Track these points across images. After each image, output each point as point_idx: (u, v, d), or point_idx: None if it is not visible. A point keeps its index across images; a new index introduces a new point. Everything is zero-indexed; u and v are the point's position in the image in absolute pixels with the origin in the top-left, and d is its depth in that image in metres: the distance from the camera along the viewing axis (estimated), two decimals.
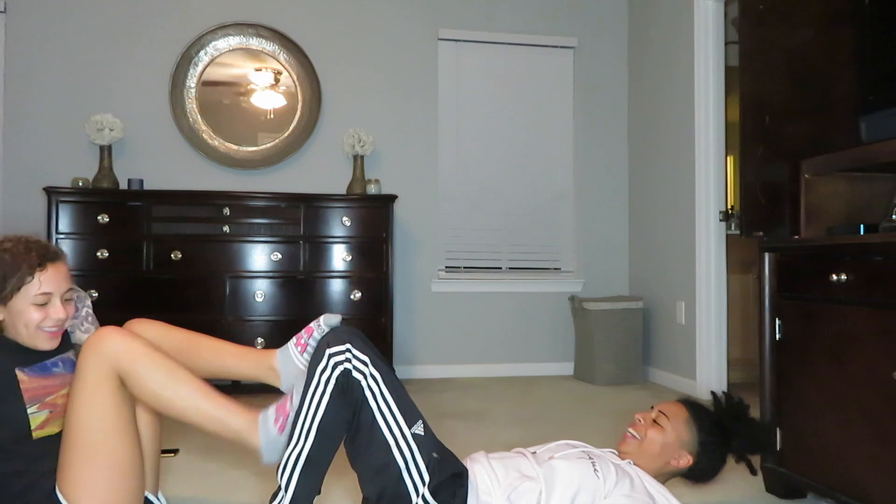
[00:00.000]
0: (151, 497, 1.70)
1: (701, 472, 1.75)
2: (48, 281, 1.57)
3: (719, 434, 1.73)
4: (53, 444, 1.54)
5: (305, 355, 1.69)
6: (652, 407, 1.79)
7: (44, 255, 1.58)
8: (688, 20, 3.98)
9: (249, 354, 1.73)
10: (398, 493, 1.51)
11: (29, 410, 1.53)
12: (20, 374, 1.54)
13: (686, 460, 1.71)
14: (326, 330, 1.66)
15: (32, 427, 1.53)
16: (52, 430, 1.57)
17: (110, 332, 1.50)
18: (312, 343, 1.68)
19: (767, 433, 1.98)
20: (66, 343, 1.72)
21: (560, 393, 3.95)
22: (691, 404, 1.78)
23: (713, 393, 1.84)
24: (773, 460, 2.17)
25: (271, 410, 1.55)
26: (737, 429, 1.73)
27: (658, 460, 1.70)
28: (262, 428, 1.53)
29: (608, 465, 1.62)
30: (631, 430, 1.75)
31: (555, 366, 4.58)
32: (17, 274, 1.53)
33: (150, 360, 1.50)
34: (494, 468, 1.61)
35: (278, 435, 1.53)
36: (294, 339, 1.72)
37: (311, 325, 1.70)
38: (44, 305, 1.57)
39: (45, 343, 1.59)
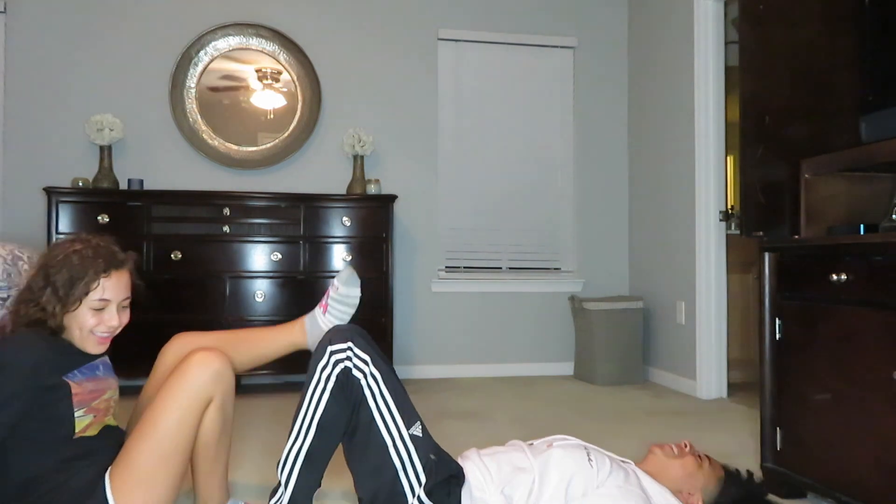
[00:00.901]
0: None
1: None
2: (110, 288, 1.57)
3: None
4: (86, 446, 1.56)
5: (328, 315, 1.81)
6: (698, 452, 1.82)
7: (111, 261, 1.58)
8: (688, 20, 3.98)
9: (281, 329, 1.87)
10: (394, 492, 1.51)
11: (76, 414, 1.54)
12: (71, 379, 1.55)
13: (696, 500, 1.71)
14: (339, 287, 1.81)
15: (77, 430, 1.54)
16: (91, 432, 1.58)
17: (217, 357, 1.64)
18: (333, 304, 1.82)
19: None
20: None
21: (560, 393, 3.95)
22: (732, 473, 1.79)
23: (749, 472, 1.83)
24: (773, 460, 2.17)
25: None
26: None
27: (675, 483, 1.70)
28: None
29: (603, 457, 1.63)
30: (674, 445, 1.78)
31: (555, 366, 4.58)
32: (84, 279, 1.53)
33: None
34: (487, 464, 1.62)
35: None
36: (320, 302, 1.87)
37: (329, 287, 1.85)
38: (100, 311, 1.56)
39: (94, 347, 1.60)
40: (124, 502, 1.51)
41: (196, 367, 1.60)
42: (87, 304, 1.55)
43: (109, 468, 1.56)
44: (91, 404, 1.57)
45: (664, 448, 1.77)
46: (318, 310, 1.84)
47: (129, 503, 1.51)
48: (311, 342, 1.79)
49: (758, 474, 1.87)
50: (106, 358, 1.71)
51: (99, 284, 1.55)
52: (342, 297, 1.81)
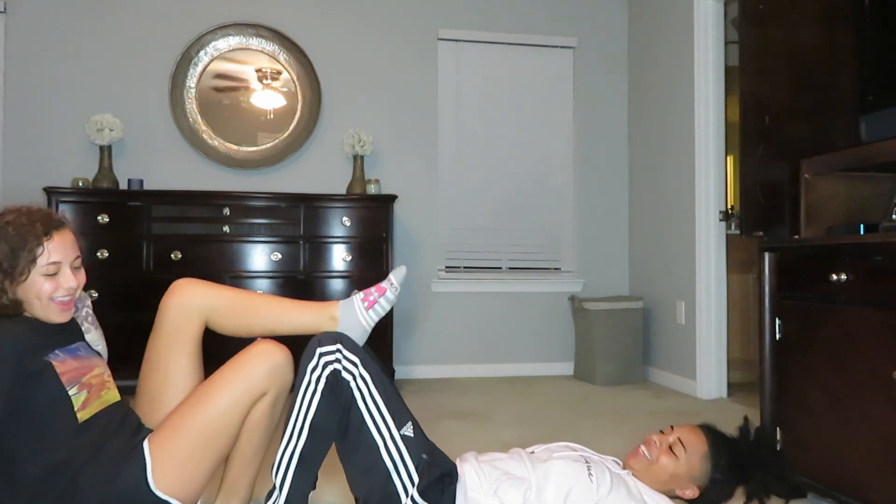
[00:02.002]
0: None
1: (703, 502, 1.69)
2: (56, 250, 1.52)
3: (734, 476, 1.65)
4: (97, 427, 1.53)
5: (371, 312, 1.66)
6: (672, 427, 1.71)
7: (48, 223, 1.54)
8: (688, 20, 3.98)
9: (309, 305, 1.73)
10: (387, 493, 1.51)
11: (70, 392, 1.51)
12: (52, 360, 1.52)
13: (692, 492, 1.66)
14: (398, 289, 1.68)
15: (76, 408, 1.51)
16: (92, 410, 1.55)
17: (280, 351, 1.62)
18: (383, 302, 1.66)
19: (788, 484, 1.72)
20: (79, 331, 1.71)
21: (560, 393, 3.95)
22: (713, 438, 1.68)
23: (746, 420, 1.71)
24: None
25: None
26: (756, 475, 1.63)
27: (662, 486, 1.66)
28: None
29: (604, 471, 1.60)
30: (644, 448, 1.69)
31: (555, 366, 4.58)
32: (26, 247, 1.49)
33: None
34: (482, 467, 1.61)
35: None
36: (361, 294, 1.68)
37: (383, 283, 1.68)
38: (54, 276, 1.53)
39: (58, 315, 1.56)
40: (162, 472, 1.51)
41: (256, 358, 1.59)
42: (39, 272, 1.51)
43: (148, 437, 1.56)
44: (82, 380, 1.54)
45: (636, 457, 1.68)
46: (359, 301, 1.66)
47: (165, 474, 1.51)
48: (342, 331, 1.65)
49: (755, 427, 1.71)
50: (84, 342, 1.68)
51: (43, 249, 1.50)
52: (393, 299, 1.68)
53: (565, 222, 4.71)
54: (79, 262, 1.60)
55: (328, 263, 3.91)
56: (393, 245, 4.03)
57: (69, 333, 1.62)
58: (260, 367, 1.59)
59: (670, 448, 1.66)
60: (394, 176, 4.39)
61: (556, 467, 1.59)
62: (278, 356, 1.61)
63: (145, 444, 1.54)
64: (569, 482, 1.56)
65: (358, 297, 1.67)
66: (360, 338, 1.64)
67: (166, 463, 1.52)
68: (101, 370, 1.63)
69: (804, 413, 2.05)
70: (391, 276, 1.68)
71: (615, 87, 4.74)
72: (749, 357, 4.09)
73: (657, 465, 1.66)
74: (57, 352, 1.53)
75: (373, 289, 1.67)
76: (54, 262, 1.52)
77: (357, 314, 1.65)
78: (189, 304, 1.68)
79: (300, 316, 1.70)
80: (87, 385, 1.56)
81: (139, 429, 1.63)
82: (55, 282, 1.53)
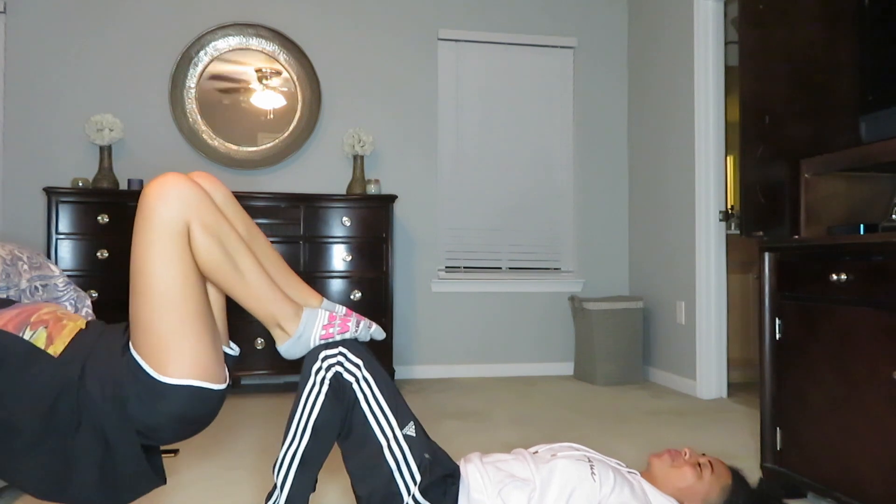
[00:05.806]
0: (224, 347, 1.61)
1: None
2: None
3: None
4: (74, 352, 1.46)
5: (322, 342, 1.56)
6: (703, 454, 1.76)
7: None
8: (688, 20, 3.98)
9: (296, 288, 1.64)
10: (389, 492, 1.52)
11: (25, 336, 1.45)
12: None
13: None
14: (359, 338, 1.58)
15: (44, 347, 1.45)
16: (64, 341, 1.48)
17: (171, 180, 1.38)
18: (337, 338, 1.56)
19: None
20: (10, 301, 1.70)
21: (560, 393, 3.95)
22: (739, 479, 1.72)
23: (761, 480, 1.77)
24: (773, 460, 2.17)
25: (324, 313, 1.56)
26: None
27: (674, 494, 1.67)
28: (307, 320, 1.54)
29: (607, 470, 1.60)
30: (671, 452, 1.73)
31: (555, 366, 4.58)
32: None
33: (221, 228, 1.44)
34: (486, 469, 1.62)
35: (318, 340, 1.54)
36: (327, 316, 1.58)
37: (354, 324, 1.59)
38: None
39: None
40: (161, 367, 1.40)
41: (151, 202, 1.37)
42: None
43: (130, 343, 1.44)
44: (30, 320, 1.48)
45: (661, 458, 1.72)
46: (319, 326, 1.58)
47: (165, 366, 1.40)
48: (295, 334, 1.56)
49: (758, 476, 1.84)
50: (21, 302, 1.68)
51: None
52: (349, 338, 1.58)
53: (565, 222, 4.71)
54: None
55: (328, 263, 3.91)
56: (393, 245, 4.03)
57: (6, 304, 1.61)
58: (160, 207, 1.38)
59: (699, 464, 1.69)
60: (394, 176, 4.39)
61: (560, 467, 1.60)
62: (170, 184, 1.39)
63: (132, 350, 1.43)
64: (571, 482, 1.56)
65: (322, 313, 1.57)
66: (299, 352, 1.56)
67: (159, 355, 1.40)
68: (51, 308, 1.56)
69: (804, 413, 2.05)
70: (370, 329, 1.60)
71: (615, 87, 4.74)
72: (749, 357, 4.09)
73: (678, 471, 1.68)
74: None
75: (339, 323, 1.57)
76: None
77: (313, 327, 1.56)
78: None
79: (284, 286, 1.60)
80: (41, 321, 1.49)
81: (126, 330, 1.52)
82: None
